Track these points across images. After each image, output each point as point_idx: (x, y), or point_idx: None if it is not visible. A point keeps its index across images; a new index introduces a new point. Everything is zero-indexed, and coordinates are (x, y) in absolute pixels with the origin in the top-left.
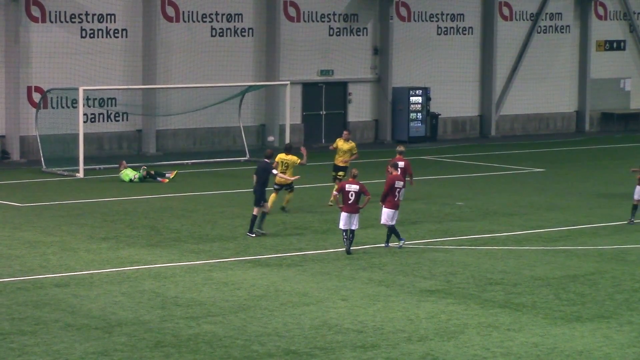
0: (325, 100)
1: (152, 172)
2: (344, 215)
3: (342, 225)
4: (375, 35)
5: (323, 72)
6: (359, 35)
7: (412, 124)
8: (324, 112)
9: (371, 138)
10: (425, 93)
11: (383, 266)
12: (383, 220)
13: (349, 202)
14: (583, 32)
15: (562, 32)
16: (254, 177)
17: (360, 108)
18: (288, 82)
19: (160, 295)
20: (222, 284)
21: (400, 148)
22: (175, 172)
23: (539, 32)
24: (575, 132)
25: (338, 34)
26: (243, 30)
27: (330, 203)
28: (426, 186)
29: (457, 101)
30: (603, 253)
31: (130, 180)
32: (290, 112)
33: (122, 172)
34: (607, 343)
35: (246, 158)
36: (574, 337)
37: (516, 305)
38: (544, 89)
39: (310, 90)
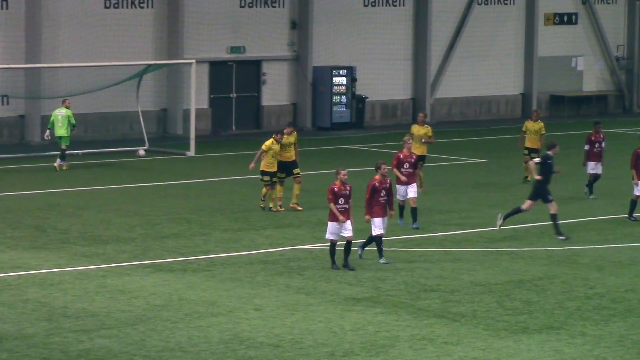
0: (236, 82)
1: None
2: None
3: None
4: (293, 7)
5: (233, 50)
6: (274, 6)
7: (335, 108)
8: (235, 95)
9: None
10: (351, 73)
11: (302, 271)
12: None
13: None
14: (529, 3)
15: (506, 4)
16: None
17: (276, 90)
18: (193, 61)
19: (47, 305)
20: (117, 292)
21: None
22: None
23: (480, 4)
24: (521, 117)
25: (250, 5)
26: (141, 1)
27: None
28: (351, 180)
29: (386, 82)
30: (552, 255)
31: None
32: (196, 95)
33: None
34: (557, 357)
35: (145, 147)
36: (520, 351)
37: (454, 315)
38: (485, 68)
39: (218, 70)
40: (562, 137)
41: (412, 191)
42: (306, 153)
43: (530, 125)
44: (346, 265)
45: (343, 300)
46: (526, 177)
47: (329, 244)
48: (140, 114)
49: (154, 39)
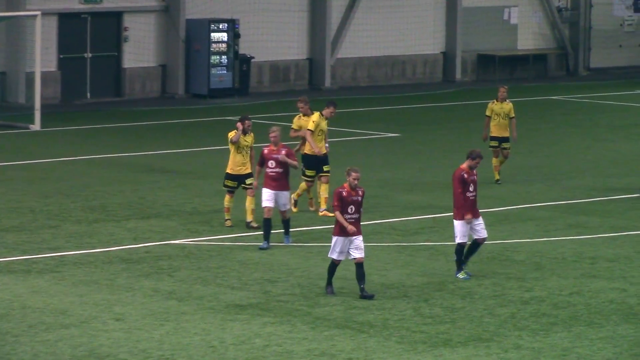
0: (91, 39)
1: None
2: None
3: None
4: None
5: None
6: None
7: (214, 71)
8: (90, 55)
9: (157, 91)
10: (233, 27)
11: (174, 271)
12: None
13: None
14: None
15: None
16: None
17: (140, 49)
18: (38, 13)
19: None
20: None
21: None
22: None
23: None
24: (442, 81)
25: None
26: None
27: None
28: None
29: (277, 39)
30: (481, 251)
31: None
32: (42, 56)
33: None
34: None
35: None
36: None
37: (360, 325)
38: (398, 22)
39: (69, 25)
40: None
41: (283, 203)
42: (178, 126)
43: (496, 107)
44: (365, 296)
45: (224, 307)
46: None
47: (330, 262)
48: None
49: None
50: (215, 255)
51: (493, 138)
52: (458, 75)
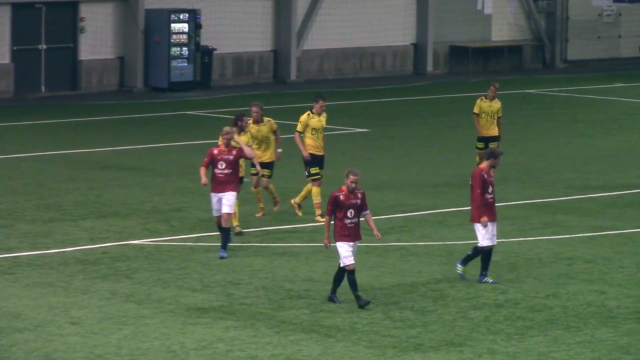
0: (46, 30)
1: None
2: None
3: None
4: None
5: None
6: None
7: (174, 63)
8: (45, 47)
9: (114, 84)
10: (194, 18)
11: (133, 273)
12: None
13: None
14: None
15: None
16: None
17: (97, 40)
18: None
19: None
20: None
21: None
22: None
23: None
24: (412, 74)
25: None
26: None
27: None
28: (182, 155)
29: (240, 30)
30: (453, 251)
31: None
32: None
33: None
34: None
35: None
36: None
37: (327, 329)
38: (366, 12)
39: (23, 15)
40: (466, 100)
41: (227, 205)
42: (137, 121)
43: (485, 105)
44: (361, 304)
45: (185, 310)
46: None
47: (339, 269)
48: None
49: None
50: (175, 256)
51: (480, 139)
52: (429, 67)
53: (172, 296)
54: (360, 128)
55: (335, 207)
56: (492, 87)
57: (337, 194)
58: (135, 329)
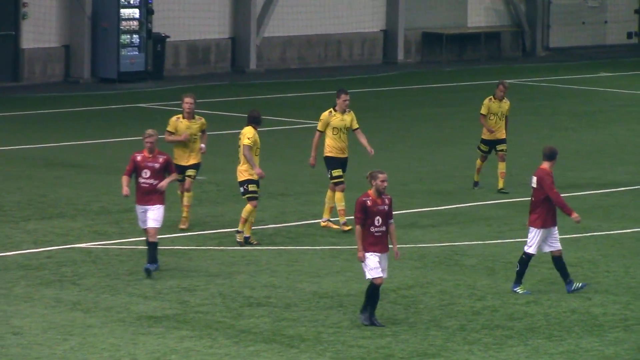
0: None
1: None
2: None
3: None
4: None
5: None
6: None
7: (124, 52)
8: None
9: (60, 75)
10: (145, 3)
11: (80, 279)
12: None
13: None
14: None
15: None
16: None
17: (41, 28)
18: None
19: None
20: None
21: None
22: None
23: None
24: (382, 63)
25: None
26: None
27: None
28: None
29: (195, 16)
30: (426, 254)
31: None
32: None
33: None
34: None
35: None
36: None
37: (290, 339)
38: None
39: None
40: (440, 90)
41: (153, 219)
42: (84, 115)
43: (494, 106)
44: (373, 322)
45: (136, 319)
46: (477, 181)
47: (369, 285)
48: None
49: None
50: (125, 261)
51: (486, 142)
52: (400, 56)
53: (122, 304)
54: None
55: (364, 214)
56: (500, 86)
57: (364, 199)
58: (82, 340)
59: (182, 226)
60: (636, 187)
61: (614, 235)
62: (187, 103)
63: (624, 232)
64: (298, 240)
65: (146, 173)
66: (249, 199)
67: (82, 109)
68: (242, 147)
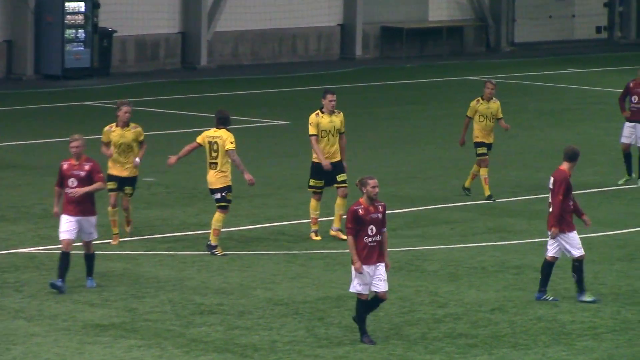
0: None
1: None
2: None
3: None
4: None
5: None
6: None
7: (69, 47)
8: None
9: (1, 71)
10: None
11: (22, 286)
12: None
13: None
14: None
15: None
16: None
17: None
18: None
19: None
20: None
21: None
22: None
23: None
24: (339, 58)
25: None
26: None
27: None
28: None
29: (144, 9)
30: None
31: None
32: None
33: None
34: None
35: None
36: None
37: (243, 348)
38: None
39: None
40: (400, 87)
41: (88, 232)
42: (27, 113)
43: (482, 107)
44: (365, 340)
45: (82, 327)
46: (467, 187)
47: (357, 300)
48: None
49: None
50: (71, 267)
51: (480, 144)
52: (358, 51)
53: (67, 312)
54: (279, 120)
55: (357, 224)
56: (488, 84)
57: (355, 208)
58: (26, 349)
59: (127, 228)
60: (606, 188)
61: (582, 239)
62: (124, 112)
63: (593, 236)
64: (250, 244)
65: (73, 182)
66: (223, 208)
67: (25, 107)
68: (219, 151)
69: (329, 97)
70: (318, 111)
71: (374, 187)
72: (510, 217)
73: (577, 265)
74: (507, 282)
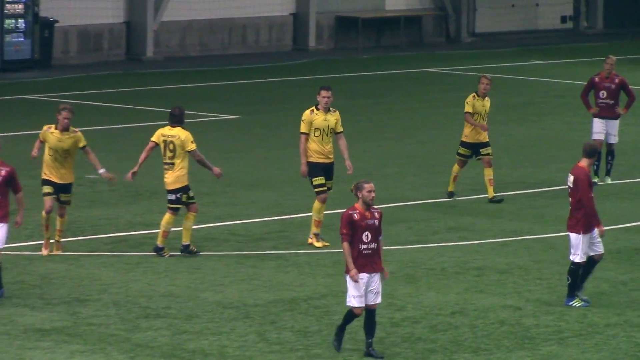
0: None
1: None
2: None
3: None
4: None
5: None
6: None
7: (8, 38)
8: None
9: None
10: None
11: None
12: None
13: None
14: None
15: None
16: None
17: None
18: None
19: None
20: None
21: None
22: None
23: None
24: (292, 49)
25: None
26: None
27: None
28: (18, 147)
29: None
30: (340, 261)
31: None
32: None
33: None
34: None
35: None
36: None
37: (191, 354)
38: None
39: None
40: (355, 80)
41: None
42: None
43: (478, 104)
44: (371, 354)
45: (22, 332)
46: (452, 191)
47: (348, 311)
48: None
49: None
50: (10, 268)
51: (466, 144)
52: (312, 42)
53: (6, 315)
54: (229, 114)
55: (351, 230)
56: (483, 79)
57: (350, 213)
58: None
59: (56, 252)
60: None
61: (547, 239)
62: (64, 118)
63: (558, 236)
64: (200, 245)
65: None
66: (174, 210)
67: None
68: (176, 151)
69: (323, 92)
70: (313, 108)
71: (370, 191)
72: (470, 215)
73: (573, 268)
74: (468, 284)
